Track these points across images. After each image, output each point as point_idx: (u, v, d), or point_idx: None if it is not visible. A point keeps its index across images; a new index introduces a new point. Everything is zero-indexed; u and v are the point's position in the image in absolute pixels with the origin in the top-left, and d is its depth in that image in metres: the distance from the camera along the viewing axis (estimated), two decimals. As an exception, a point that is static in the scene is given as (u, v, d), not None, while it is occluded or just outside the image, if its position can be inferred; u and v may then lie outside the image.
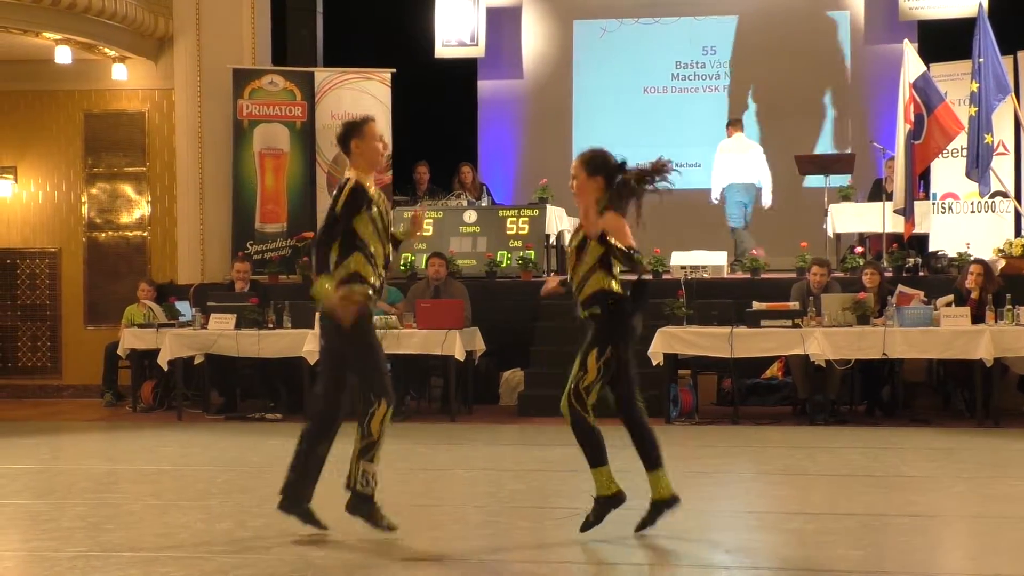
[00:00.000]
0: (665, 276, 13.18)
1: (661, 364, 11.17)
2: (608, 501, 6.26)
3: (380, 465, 6.29)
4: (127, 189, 15.05)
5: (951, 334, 10.72)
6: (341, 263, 6.26)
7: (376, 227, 6.31)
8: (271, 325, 11.97)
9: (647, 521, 6.34)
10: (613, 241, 6.17)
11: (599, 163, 6.43)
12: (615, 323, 6.29)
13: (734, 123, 15.30)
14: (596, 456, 6.30)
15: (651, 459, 6.38)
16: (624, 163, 6.47)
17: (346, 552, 6.09)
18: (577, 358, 6.30)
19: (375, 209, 6.30)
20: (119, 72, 14.66)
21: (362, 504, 6.29)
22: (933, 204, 13.60)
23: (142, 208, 15.02)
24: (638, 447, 6.39)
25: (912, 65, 13.20)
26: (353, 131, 6.39)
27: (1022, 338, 10.65)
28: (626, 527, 6.56)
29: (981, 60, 12.70)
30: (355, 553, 6.06)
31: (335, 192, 6.32)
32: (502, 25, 17.67)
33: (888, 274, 12.46)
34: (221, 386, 12.64)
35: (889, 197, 13.60)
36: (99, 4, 13.46)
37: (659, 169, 6.47)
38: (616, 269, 6.32)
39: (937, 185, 13.77)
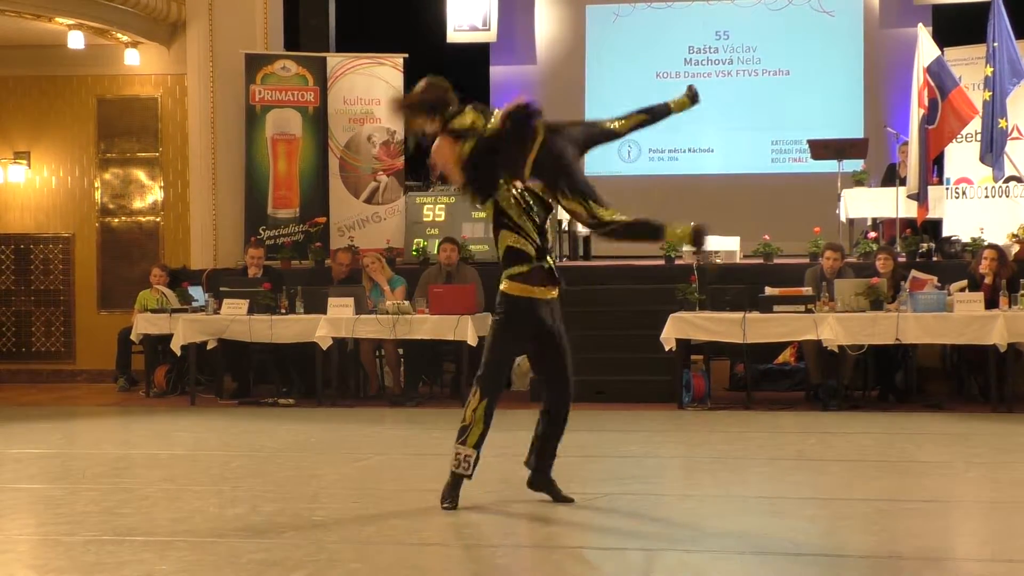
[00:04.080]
0: (678, 261, 13.17)
1: (674, 349, 11.16)
2: None
3: (476, 450, 6.54)
4: (140, 174, 15.07)
5: (965, 319, 10.68)
6: (496, 245, 6.70)
7: (517, 202, 6.60)
8: (284, 310, 11.98)
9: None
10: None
11: None
12: None
13: None
14: None
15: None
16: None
17: (359, 537, 6.09)
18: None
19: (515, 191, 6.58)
20: (131, 57, 14.67)
21: (449, 482, 6.56)
22: (947, 189, 13.54)
23: (155, 193, 15.04)
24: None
25: (926, 49, 13.14)
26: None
27: (1036, 323, 10.62)
28: (638, 513, 6.57)
29: (996, 44, 12.63)
30: (368, 538, 6.07)
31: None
32: (514, 10, 17.64)
33: (901, 259, 12.43)
34: (234, 371, 12.66)
35: (903, 182, 13.55)
36: (111, -11, 13.50)
37: None
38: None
39: (951, 170, 13.71)
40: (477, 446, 6.56)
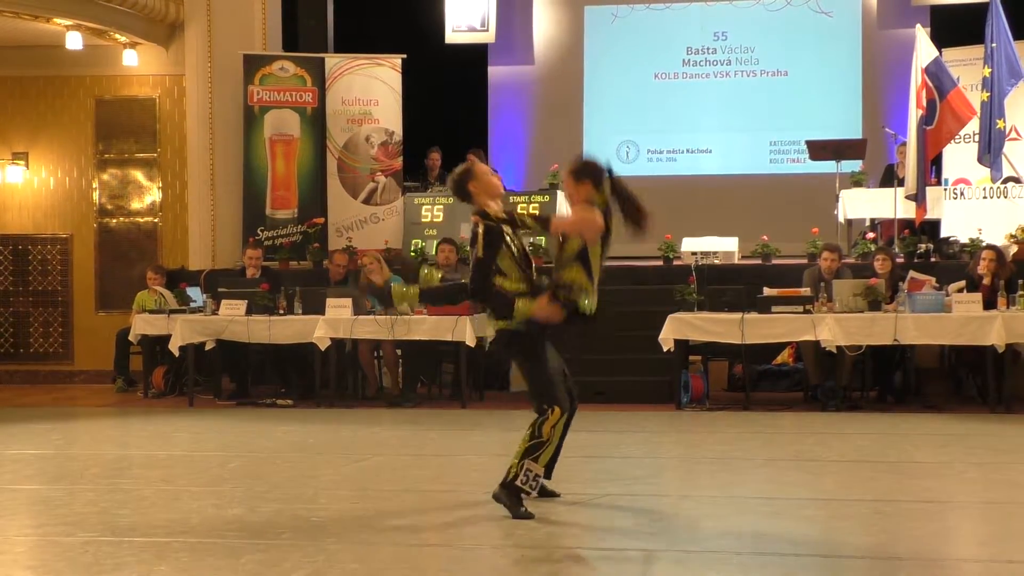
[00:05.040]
0: (676, 262, 13.17)
1: (672, 350, 11.16)
2: None
3: (542, 468, 6.46)
4: (138, 175, 15.07)
5: (963, 320, 10.69)
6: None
7: (513, 254, 6.55)
8: (282, 311, 11.98)
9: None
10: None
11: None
12: None
13: None
14: None
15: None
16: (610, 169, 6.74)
17: (357, 538, 6.10)
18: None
19: (508, 239, 6.54)
20: (130, 58, 14.66)
21: (509, 496, 6.44)
22: (945, 190, 13.55)
23: (153, 194, 15.04)
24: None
25: (924, 50, 13.15)
26: (466, 177, 6.68)
27: (1034, 324, 10.62)
28: (637, 514, 6.57)
29: (994, 45, 12.64)
30: (366, 539, 6.07)
31: (471, 238, 6.59)
32: (512, 10, 17.65)
33: (900, 260, 12.44)
34: (232, 372, 12.66)
35: (901, 183, 13.56)
36: (110, -10, 13.50)
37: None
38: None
39: (949, 171, 13.72)
40: (545, 464, 6.52)
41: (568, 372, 6.77)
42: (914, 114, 13.18)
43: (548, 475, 6.80)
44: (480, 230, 6.52)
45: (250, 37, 14.86)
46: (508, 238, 6.55)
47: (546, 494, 6.78)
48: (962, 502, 7.11)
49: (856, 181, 14.23)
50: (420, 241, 14.06)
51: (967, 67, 13.41)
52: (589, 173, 6.67)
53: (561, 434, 6.54)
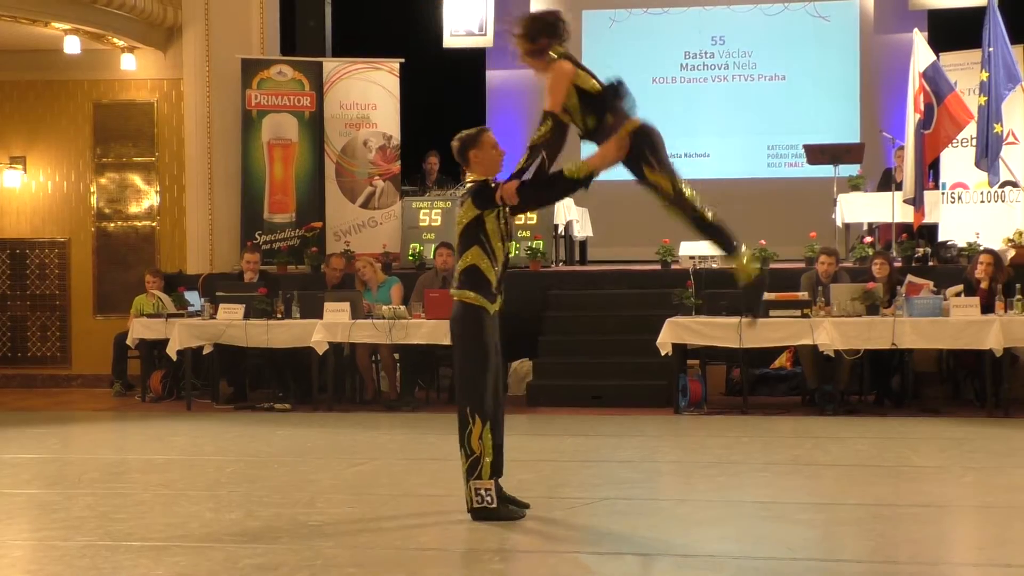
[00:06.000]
0: (674, 266, 13.18)
1: (670, 354, 11.16)
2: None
3: (491, 479, 6.30)
4: (136, 179, 15.06)
5: (961, 324, 10.69)
6: (461, 255, 6.38)
7: (499, 226, 6.39)
8: (280, 315, 11.97)
9: None
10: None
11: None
12: None
13: None
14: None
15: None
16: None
17: (355, 542, 6.09)
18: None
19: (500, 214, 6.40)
20: (128, 62, 14.66)
21: (487, 514, 6.32)
22: (943, 194, 13.56)
23: (151, 198, 15.03)
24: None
25: (922, 54, 13.16)
26: (470, 143, 6.47)
27: (1032, 328, 10.62)
28: (634, 518, 6.57)
29: (991, 49, 12.65)
30: (364, 543, 6.07)
31: (467, 194, 6.43)
32: (511, 14, 17.63)
33: (898, 264, 12.45)
34: (230, 376, 12.65)
35: (899, 187, 13.57)
36: (107, -6, 13.50)
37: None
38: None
39: (947, 175, 13.72)
40: (495, 475, 6.34)
41: (501, 371, 6.51)
42: (912, 118, 13.18)
43: (500, 473, 6.46)
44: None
45: (248, 41, 14.86)
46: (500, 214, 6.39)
47: (513, 503, 6.54)
48: (960, 506, 7.11)
49: (854, 185, 14.23)
50: (418, 245, 14.06)
51: (964, 71, 13.41)
52: (543, 29, 6.58)
53: (498, 436, 6.33)
